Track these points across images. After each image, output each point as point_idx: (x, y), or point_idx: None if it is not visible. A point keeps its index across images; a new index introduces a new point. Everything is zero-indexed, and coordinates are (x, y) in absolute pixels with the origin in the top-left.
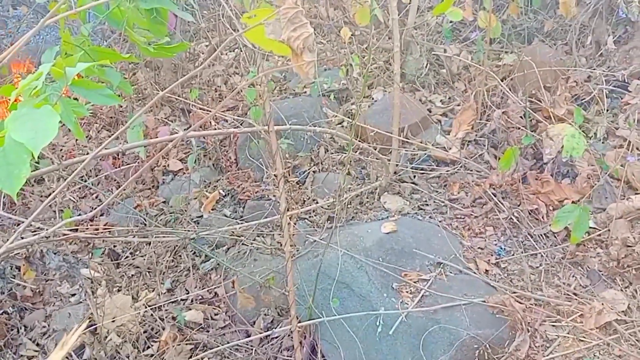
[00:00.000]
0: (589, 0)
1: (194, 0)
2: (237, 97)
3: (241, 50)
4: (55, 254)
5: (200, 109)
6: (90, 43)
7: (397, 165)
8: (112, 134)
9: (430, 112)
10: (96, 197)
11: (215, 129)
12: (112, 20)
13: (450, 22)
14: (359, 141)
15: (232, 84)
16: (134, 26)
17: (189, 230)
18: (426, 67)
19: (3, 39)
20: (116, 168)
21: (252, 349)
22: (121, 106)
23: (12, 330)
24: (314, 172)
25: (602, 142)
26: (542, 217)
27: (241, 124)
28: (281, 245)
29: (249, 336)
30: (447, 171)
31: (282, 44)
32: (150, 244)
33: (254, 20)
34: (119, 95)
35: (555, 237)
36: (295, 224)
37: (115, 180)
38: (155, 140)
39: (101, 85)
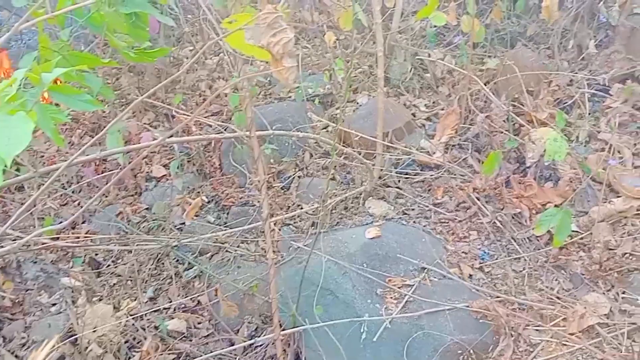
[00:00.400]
0: (570, 4)
1: (176, 4)
2: (221, 102)
3: (225, 55)
4: (34, 262)
5: (183, 114)
6: (70, 48)
7: (381, 169)
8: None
9: (414, 116)
10: (78, 205)
11: (199, 135)
12: (93, 25)
13: (434, 26)
14: (344, 146)
15: (216, 88)
16: (115, 31)
17: (171, 238)
18: (410, 71)
19: None
20: (98, 174)
21: (235, 358)
22: (104, 112)
23: None
24: (298, 177)
25: (584, 146)
26: (525, 221)
27: (225, 130)
28: (265, 251)
29: (232, 345)
30: (431, 175)
31: (262, 49)
32: (132, 251)
33: (234, 25)
34: (102, 101)
35: (538, 240)
36: (279, 230)
37: (97, 187)
38: (134, 146)
39: (80, 91)
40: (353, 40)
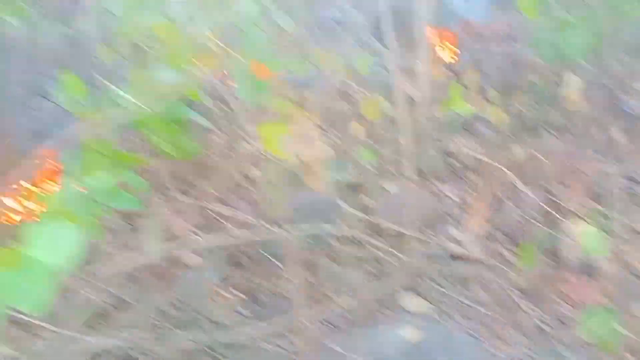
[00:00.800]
0: (593, 94)
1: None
2: (255, 189)
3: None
4: None
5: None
6: (112, 146)
7: (415, 262)
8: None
9: (444, 205)
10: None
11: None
12: (135, 126)
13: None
14: (375, 236)
15: (252, 177)
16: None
17: (205, 332)
18: (437, 159)
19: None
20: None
21: None
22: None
23: None
24: (329, 267)
25: (622, 237)
26: (568, 321)
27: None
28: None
29: None
30: (466, 268)
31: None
32: (165, 345)
33: (270, 132)
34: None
35: (584, 342)
36: (311, 324)
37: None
38: (176, 246)
39: (122, 192)
40: (380, 129)
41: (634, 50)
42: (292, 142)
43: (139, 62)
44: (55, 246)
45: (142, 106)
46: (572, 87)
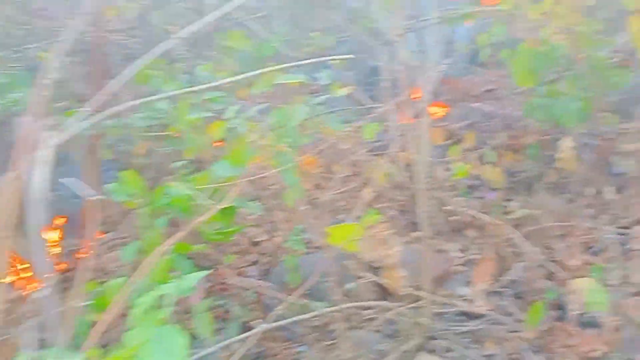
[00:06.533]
0: (585, 155)
1: None
2: (257, 250)
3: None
4: None
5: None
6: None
7: (428, 322)
8: None
9: (450, 262)
10: None
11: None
12: (183, 212)
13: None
14: (386, 296)
15: (259, 242)
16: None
17: None
18: (441, 218)
19: None
20: None
21: None
22: None
23: None
24: (344, 330)
25: (619, 289)
26: None
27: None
28: None
29: None
30: (477, 325)
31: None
32: None
33: (341, 233)
34: None
35: None
36: None
37: None
38: None
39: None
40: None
41: (621, 114)
42: (368, 244)
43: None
44: (163, 351)
45: (206, 202)
46: (566, 148)
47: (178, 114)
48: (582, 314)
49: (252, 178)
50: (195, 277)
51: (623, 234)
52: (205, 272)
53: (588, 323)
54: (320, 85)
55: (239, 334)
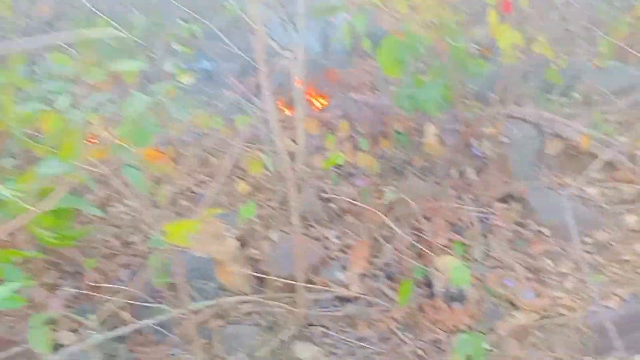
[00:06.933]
0: (448, 139)
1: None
2: (131, 253)
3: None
4: None
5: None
6: None
7: (304, 311)
8: None
9: (327, 248)
10: None
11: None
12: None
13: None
14: (261, 287)
15: (129, 242)
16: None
17: None
18: (317, 205)
19: None
20: None
21: None
22: None
23: None
24: (220, 326)
25: (481, 264)
26: (444, 346)
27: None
28: None
29: None
30: (352, 309)
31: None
32: None
33: (177, 229)
34: None
35: None
36: None
37: None
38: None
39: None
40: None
41: (480, 100)
42: (201, 239)
43: (25, 157)
44: None
45: (26, 205)
46: (430, 134)
47: (3, 106)
48: (448, 290)
49: (87, 175)
50: (8, 289)
51: (484, 212)
52: (27, 282)
53: (454, 298)
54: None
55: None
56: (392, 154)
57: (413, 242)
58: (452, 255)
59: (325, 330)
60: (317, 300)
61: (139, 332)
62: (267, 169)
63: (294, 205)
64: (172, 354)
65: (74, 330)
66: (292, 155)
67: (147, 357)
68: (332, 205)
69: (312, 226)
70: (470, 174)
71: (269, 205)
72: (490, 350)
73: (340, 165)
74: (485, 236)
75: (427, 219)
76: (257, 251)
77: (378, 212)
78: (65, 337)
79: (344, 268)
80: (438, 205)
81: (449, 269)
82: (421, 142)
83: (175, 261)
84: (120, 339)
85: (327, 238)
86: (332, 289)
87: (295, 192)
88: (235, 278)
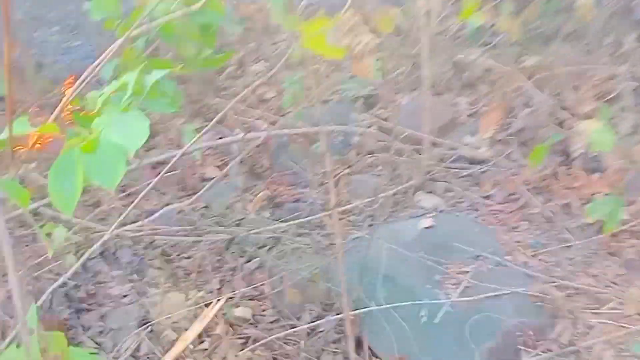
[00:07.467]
0: (606, 2)
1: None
2: (265, 106)
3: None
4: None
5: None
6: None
7: (429, 164)
8: (150, 145)
9: (457, 114)
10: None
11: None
12: (164, 34)
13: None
14: (391, 141)
15: (260, 94)
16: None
17: (239, 228)
18: (450, 71)
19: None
20: (157, 176)
21: (299, 342)
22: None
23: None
24: (347, 174)
25: (630, 137)
26: (575, 211)
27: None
28: (324, 242)
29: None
30: (479, 169)
31: (338, 49)
32: (196, 245)
33: (313, 28)
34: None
35: (589, 229)
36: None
37: (155, 189)
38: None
39: (161, 93)
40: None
41: None
42: (339, 34)
43: None
44: (128, 131)
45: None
46: None
47: None
48: (587, 158)
49: None
50: (158, 74)
51: (638, 79)
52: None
53: (592, 165)
54: None
55: None
56: (538, 20)
57: (552, 107)
58: (594, 121)
59: (449, 186)
60: (442, 158)
61: (274, 173)
62: (398, 29)
63: (425, 67)
64: (302, 192)
65: (218, 167)
66: (427, 15)
67: (279, 193)
68: (466, 74)
69: (442, 93)
70: (630, 42)
71: (398, 70)
72: (629, 220)
73: (478, 30)
74: (636, 111)
75: (572, 87)
76: (386, 111)
77: (518, 74)
78: (211, 171)
79: (473, 133)
80: (586, 73)
81: (590, 132)
82: (573, 7)
83: None
84: (258, 177)
85: (458, 104)
86: (459, 149)
87: (427, 54)
88: (369, 69)
